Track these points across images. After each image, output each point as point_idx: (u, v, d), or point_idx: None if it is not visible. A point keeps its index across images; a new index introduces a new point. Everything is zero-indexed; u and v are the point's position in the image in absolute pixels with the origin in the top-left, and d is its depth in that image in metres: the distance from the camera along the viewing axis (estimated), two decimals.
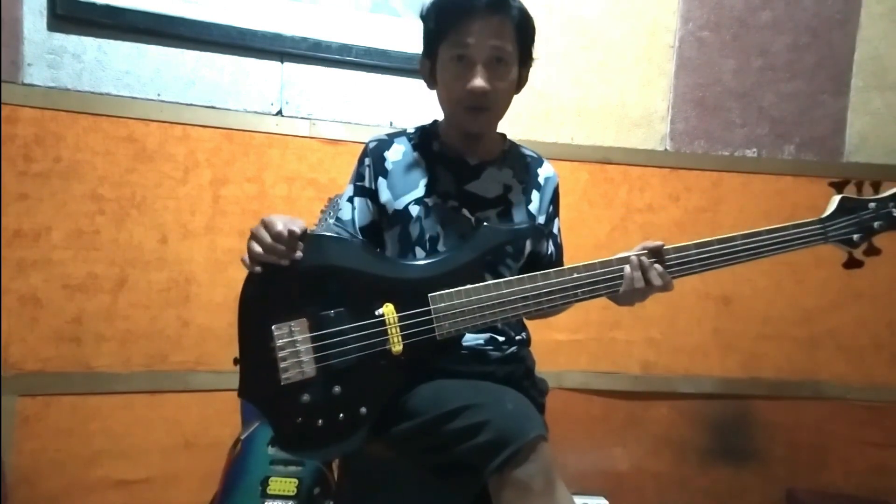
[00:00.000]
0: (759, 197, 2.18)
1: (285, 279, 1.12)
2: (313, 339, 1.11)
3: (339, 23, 1.97)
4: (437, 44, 1.23)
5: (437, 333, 1.13)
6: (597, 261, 1.17)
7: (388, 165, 1.30)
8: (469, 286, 1.14)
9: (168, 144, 1.87)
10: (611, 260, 1.18)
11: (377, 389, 1.13)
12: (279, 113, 1.96)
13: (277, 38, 1.92)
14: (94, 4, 1.78)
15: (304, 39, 1.94)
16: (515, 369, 1.28)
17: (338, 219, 1.32)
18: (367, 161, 1.32)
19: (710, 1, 2.18)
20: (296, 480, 1.63)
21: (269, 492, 1.61)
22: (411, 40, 1.99)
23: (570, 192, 2.11)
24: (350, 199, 1.32)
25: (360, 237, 1.29)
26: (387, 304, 1.13)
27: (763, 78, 2.21)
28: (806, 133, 2.22)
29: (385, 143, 1.33)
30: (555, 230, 1.41)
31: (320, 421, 1.10)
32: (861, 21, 2.21)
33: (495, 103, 1.24)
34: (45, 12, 1.77)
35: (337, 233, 1.28)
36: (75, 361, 1.81)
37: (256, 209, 1.92)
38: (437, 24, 1.22)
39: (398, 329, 1.13)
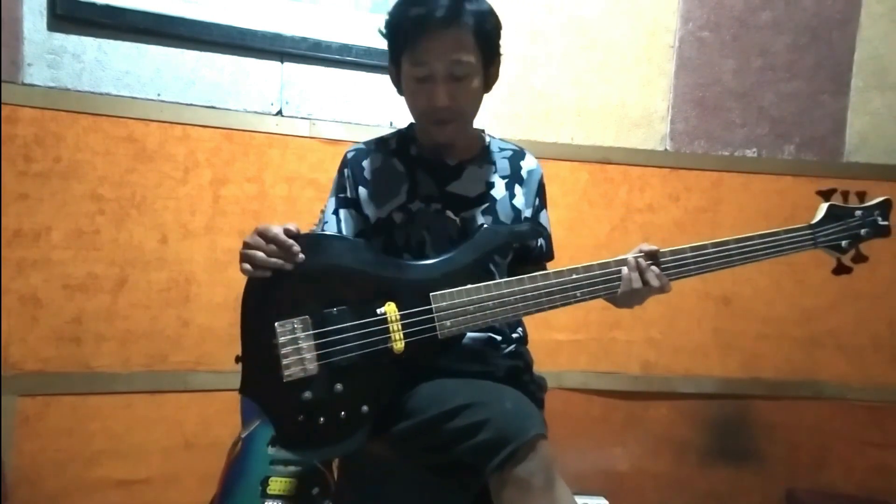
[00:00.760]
0: (759, 197, 2.18)
1: (289, 277, 1.12)
2: (316, 337, 1.11)
3: (339, 23, 1.97)
4: (398, 56, 1.23)
5: (438, 332, 1.14)
6: (595, 263, 1.20)
7: (368, 175, 1.30)
8: (470, 286, 1.15)
9: (168, 144, 1.87)
10: (609, 262, 1.20)
11: (379, 388, 1.13)
12: (279, 113, 1.96)
13: (277, 38, 1.92)
14: (94, 4, 1.78)
15: (304, 39, 1.94)
16: (514, 366, 1.29)
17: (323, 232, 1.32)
18: (346, 172, 1.32)
19: (710, 1, 2.18)
20: (296, 480, 1.63)
21: (269, 492, 1.61)
22: None
23: (570, 192, 2.11)
24: (335, 212, 1.31)
25: None
26: (389, 302, 1.14)
27: (763, 78, 2.21)
28: (806, 133, 2.23)
29: (363, 152, 1.33)
30: (543, 222, 1.40)
31: (322, 419, 1.10)
32: (861, 21, 2.21)
33: (460, 114, 1.24)
34: (45, 12, 1.77)
35: None
36: (75, 361, 1.81)
37: (256, 209, 1.93)
38: (393, 40, 1.22)
39: (400, 327, 1.13)
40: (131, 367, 1.85)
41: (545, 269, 1.32)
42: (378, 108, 2.02)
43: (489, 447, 1.00)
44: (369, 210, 1.29)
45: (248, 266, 1.11)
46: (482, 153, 1.35)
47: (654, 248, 1.20)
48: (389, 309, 1.13)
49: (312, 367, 1.10)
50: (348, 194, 1.31)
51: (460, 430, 1.04)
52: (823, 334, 2.21)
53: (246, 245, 1.12)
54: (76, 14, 1.78)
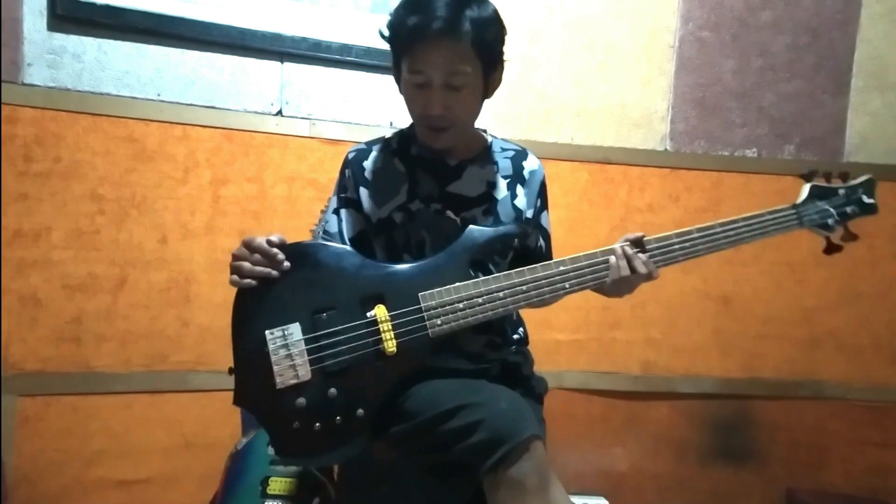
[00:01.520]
0: (759, 197, 2.18)
1: (276, 286, 1.13)
2: (307, 342, 1.11)
3: (339, 23, 1.97)
4: (398, 60, 1.23)
5: (429, 331, 1.14)
6: (581, 254, 1.21)
7: (368, 175, 1.30)
8: (458, 283, 1.16)
9: (168, 144, 1.87)
10: (595, 252, 1.21)
11: (373, 391, 1.13)
12: (279, 113, 1.96)
13: (277, 38, 1.92)
14: (94, 4, 1.78)
15: (304, 39, 1.94)
16: (512, 365, 1.29)
17: (325, 231, 1.32)
18: (347, 172, 1.32)
19: (710, 1, 2.18)
20: (296, 480, 1.63)
21: (269, 492, 1.61)
22: None
23: (570, 192, 2.11)
24: (336, 212, 1.32)
25: (350, 248, 1.29)
26: (378, 305, 1.14)
27: (763, 78, 2.21)
28: (806, 133, 2.22)
29: (364, 151, 1.33)
30: (543, 223, 1.40)
31: (317, 424, 1.10)
32: (861, 21, 2.21)
33: (455, 122, 1.23)
34: (45, 12, 1.77)
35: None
36: (75, 361, 1.81)
37: (256, 209, 1.93)
38: (392, 46, 1.22)
39: (391, 328, 1.13)
40: (131, 367, 1.85)
41: None
42: (378, 108, 2.02)
43: (484, 448, 1.00)
44: (370, 210, 1.29)
45: (235, 277, 1.13)
46: (483, 153, 1.35)
47: (639, 235, 1.21)
48: (379, 311, 1.14)
49: (305, 372, 1.10)
50: (349, 194, 1.31)
51: (455, 431, 1.04)
52: (823, 334, 2.21)
53: (234, 257, 1.13)
54: (76, 14, 1.78)
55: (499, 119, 2.07)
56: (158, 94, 1.88)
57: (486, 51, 1.19)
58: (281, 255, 1.12)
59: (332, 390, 1.11)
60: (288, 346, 1.11)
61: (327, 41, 1.95)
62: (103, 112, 1.82)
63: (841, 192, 1.30)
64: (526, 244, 1.35)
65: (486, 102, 1.29)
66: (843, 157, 2.22)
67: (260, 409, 1.12)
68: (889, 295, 2.21)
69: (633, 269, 1.18)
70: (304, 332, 1.11)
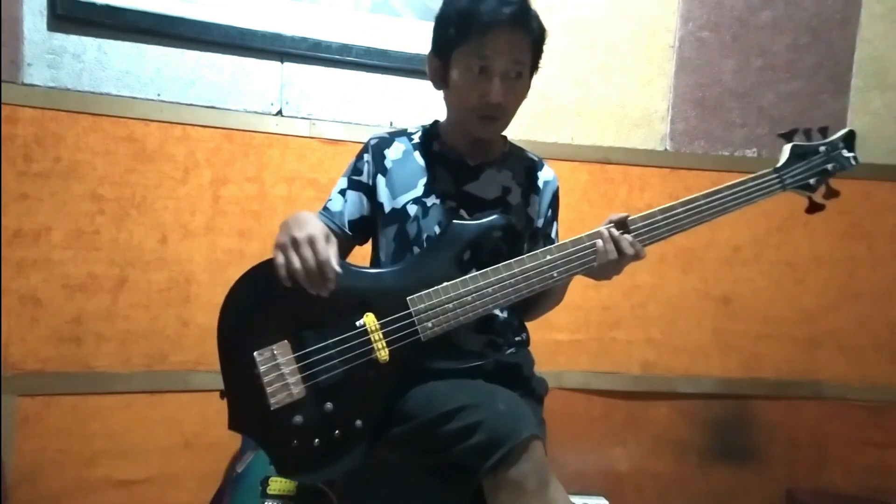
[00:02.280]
0: None
1: (261, 305, 1.10)
2: (297, 360, 1.10)
3: (339, 23, 1.97)
4: (452, 48, 1.21)
5: (421, 335, 1.13)
6: (567, 240, 1.20)
7: (388, 164, 1.30)
8: (446, 283, 1.14)
9: (168, 144, 1.87)
10: (581, 237, 1.20)
11: (369, 400, 1.12)
12: (279, 113, 1.96)
13: (277, 38, 1.92)
14: (94, 4, 1.78)
15: (304, 39, 1.94)
16: (515, 367, 1.28)
17: (325, 209, 1.31)
18: (366, 157, 1.32)
19: (710, 1, 2.18)
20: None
21: (269, 492, 1.61)
22: (411, 40, 1.99)
23: (570, 192, 2.11)
24: (342, 192, 1.31)
25: (347, 230, 1.28)
26: (367, 313, 1.13)
27: (763, 78, 2.21)
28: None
29: (386, 141, 1.33)
30: (552, 235, 1.41)
31: (316, 440, 1.09)
32: (861, 21, 2.21)
33: (507, 114, 1.25)
34: (45, 12, 1.77)
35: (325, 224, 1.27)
36: (75, 361, 1.81)
37: (256, 209, 1.93)
38: (457, 31, 1.20)
39: (381, 336, 1.12)
40: (131, 367, 1.85)
41: None
42: (378, 108, 2.02)
43: (482, 449, 1.00)
44: (384, 198, 1.28)
45: (281, 262, 1.06)
46: (502, 158, 1.35)
47: (623, 215, 1.21)
48: (368, 320, 1.12)
49: (298, 390, 1.08)
50: (364, 179, 1.31)
51: (454, 432, 1.03)
52: (823, 334, 2.21)
53: (292, 242, 1.05)
54: (76, 14, 1.78)
55: None
56: (158, 94, 1.87)
57: (537, 51, 1.24)
58: (332, 283, 1.06)
59: (328, 405, 1.09)
60: (278, 365, 1.08)
61: (327, 41, 1.95)
62: (103, 112, 1.82)
63: (822, 149, 1.29)
64: (515, 234, 1.32)
65: None
66: None
67: (257, 431, 1.10)
68: (889, 295, 2.21)
69: (620, 251, 1.18)
70: (293, 350, 1.09)
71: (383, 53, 1.99)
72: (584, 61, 2.14)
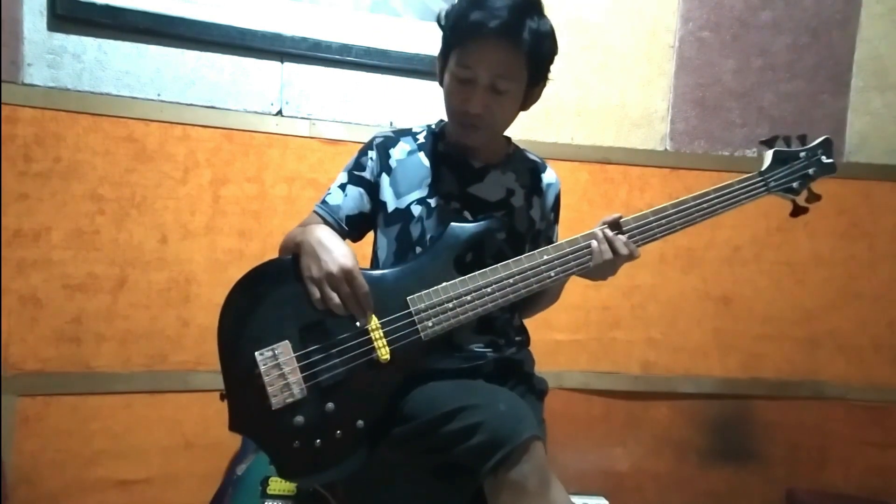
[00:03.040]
0: None
1: (262, 305, 1.11)
2: (298, 360, 1.09)
3: (339, 23, 1.97)
4: (447, 51, 1.23)
5: (421, 334, 1.13)
6: (564, 241, 1.22)
7: (393, 163, 1.30)
8: (446, 283, 1.15)
9: (168, 144, 1.87)
10: (577, 238, 1.22)
11: (371, 400, 1.12)
12: (279, 113, 1.96)
13: (277, 38, 1.92)
14: (94, 4, 1.78)
15: (304, 39, 1.94)
16: (516, 363, 1.28)
17: (324, 202, 1.30)
18: (371, 154, 1.31)
19: (710, 1, 2.18)
20: None
21: (269, 492, 1.61)
22: (411, 40, 1.99)
23: (571, 192, 2.10)
24: (342, 187, 1.30)
25: (343, 225, 1.28)
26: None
27: (763, 78, 2.21)
28: (806, 133, 2.22)
29: (391, 139, 1.33)
30: (553, 238, 1.41)
31: (318, 441, 1.08)
32: (861, 21, 2.21)
33: (490, 124, 1.24)
34: (45, 12, 1.77)
35: (322, 217, 1.27)
36: (75, 361, 1.81)
37: (256, 209, 1.93)
38: (450, 35, 1.21)
39: (382, 336, 1.12)
40: (131, 367, 1.85)
41: None
42: (378, 108, 2.02)
43: (483, 450, 1.00)
44: (388, 198, 1.28)
45: (318, 297, 1.11)
46: (506, 160, 1.35)
47: (616, 215, 1.23)
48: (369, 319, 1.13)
49: (299, 390, 1.08)
50: (367, 175, 1.30)
51: (455, 433, 1.03)
52: (823, 334, 2.21)
53: (327, 276, 1.10)
54: (76, 14, 1.78)
55: None
56: (158, 94, 1.87)
57: (536, 64, 1.23)
58: (372, 308, 1.12)
59: (330, 405, 1.09)
60: (279, 365, 1.08)
61: (327, 41, 1.95)
62: (103, 112, 1.82)
63: (802, 154, 1.34)
64: (512, 236, 1.32)
65: None
66: (843, 157, 2.21)
67: (257, 432, 1.10)
68: (889, 295, 2.21)
69: (615, 252, 1.20)
70: (294, 350, 1.09)
71: (383, 53, 1.99)
72: (584, 61, 2.14)
